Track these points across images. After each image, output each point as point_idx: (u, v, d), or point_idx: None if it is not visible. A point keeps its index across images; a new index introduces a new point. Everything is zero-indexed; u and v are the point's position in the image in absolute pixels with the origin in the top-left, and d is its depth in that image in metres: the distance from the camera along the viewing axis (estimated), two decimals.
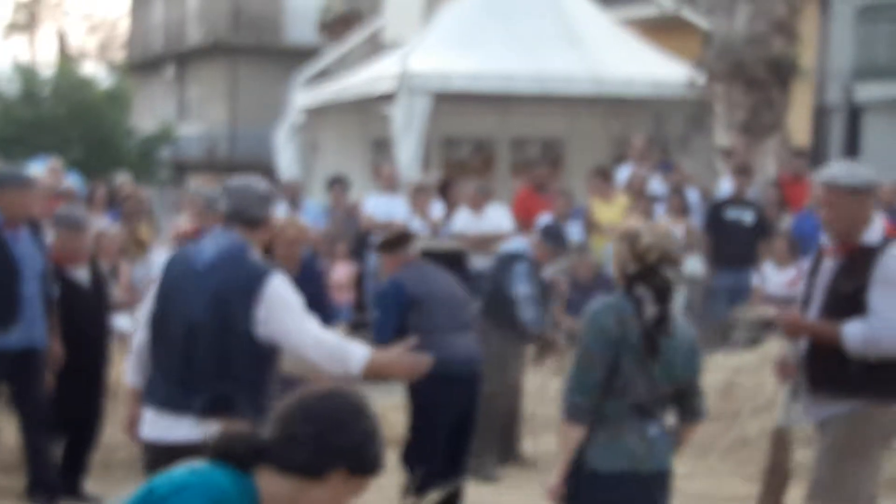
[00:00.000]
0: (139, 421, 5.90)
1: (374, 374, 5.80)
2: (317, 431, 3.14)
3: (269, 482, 3.11)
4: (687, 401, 5.69)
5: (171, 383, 5.66)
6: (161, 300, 5.81)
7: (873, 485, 6.39)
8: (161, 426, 5.63)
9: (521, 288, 9.86)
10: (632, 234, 5.58)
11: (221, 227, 5.88)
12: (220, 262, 5.71)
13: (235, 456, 3.14)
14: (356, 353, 5.69)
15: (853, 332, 6.17)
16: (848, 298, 6.24)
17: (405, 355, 5.93)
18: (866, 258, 6.26)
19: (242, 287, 5.63)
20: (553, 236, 10.29)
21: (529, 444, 10.63)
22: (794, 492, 7.16)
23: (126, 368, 6.09)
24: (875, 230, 6.33)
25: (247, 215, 5.82)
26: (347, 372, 5.66)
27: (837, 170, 6.48)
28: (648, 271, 5.49)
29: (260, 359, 5.64)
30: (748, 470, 9.94)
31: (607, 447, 5.48)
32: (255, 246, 5.85)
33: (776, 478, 6.84)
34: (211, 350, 5.59)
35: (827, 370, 6.34)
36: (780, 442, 6.92)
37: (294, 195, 16.18)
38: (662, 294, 5.49)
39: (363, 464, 3.17)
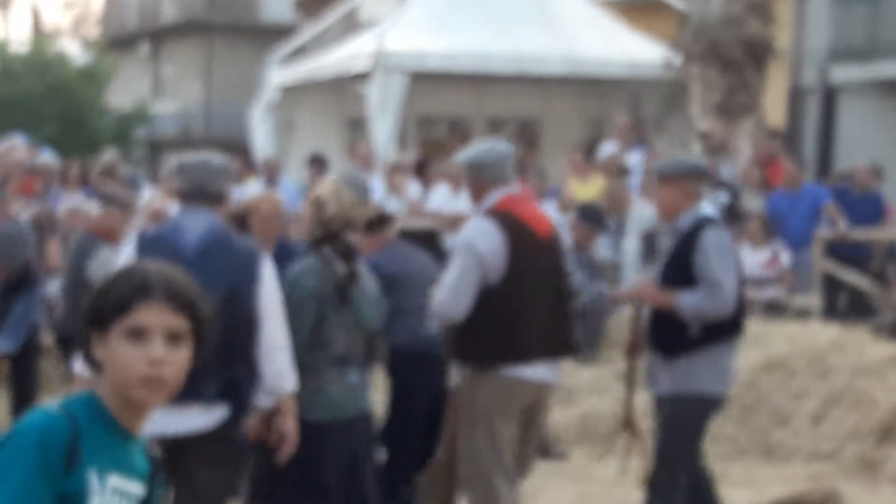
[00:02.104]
0: None
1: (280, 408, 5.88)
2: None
3: (102, 393, 2.92)
4: (372, 345, 6.20)
5: None
6: None
7: (498, 453, 6.59)
8: (165, 419, 5.39)
9: (578, 276, 9.81)
10: (319, 202, 6.17)
11: (186, 207, 5.80)
12: (210, 246, 5.65)
13: None
14: (292, 381, 5.77)
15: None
16: None
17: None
18: None
19: (245, 270, 5.61)
20: (591, 216, 10.26)
21: None
22: None
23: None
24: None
25: (210, 191, 5.77)
26: (276, 389, 5.72)
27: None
28: (332, 236, 6.07)
29: (257, 339, 5.64)
30: (720, 449, 9.99)
31: (313, 398, 5.92)
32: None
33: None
34: (218, 336, 5.48)
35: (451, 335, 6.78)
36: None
37: (272, 173, 16.14)
38: (346, 255, 6.06)
39: (99, 316, 2.85)
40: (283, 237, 8.54)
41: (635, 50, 18.37)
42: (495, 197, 6.64)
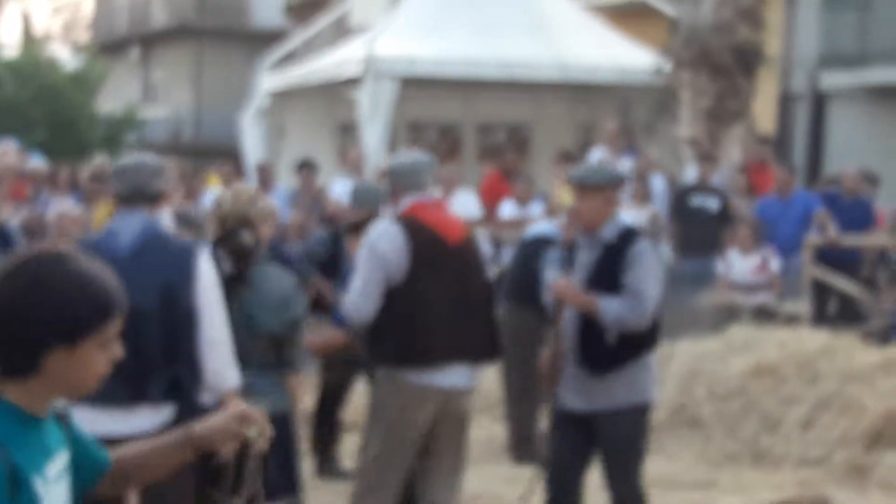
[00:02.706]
0: None
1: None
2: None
3: (14, 393, 2.80)
4: (282, 351, 6.24)
5: (117, 377, 5.57)
6: None
7: (389, 453, 6.75)
8: (110, 421, 5.44)
9: (551, 273, 9.84)
10: (218, 201, 6.32)
11: (123, 209, 5.81)
12: (144, 246, 5.65)
13: None
14: (235, 376, 5.73)
15: None
16: None
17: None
18: None
19: (180, 266, 5.60)
20: None
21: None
22: None
23: None
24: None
25: (147, 192, 5.76)
26: (218, 385, 5.68)
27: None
28: (227, 235, 6.15)
29: (198, 335, 5.63)
30: (710, 456, 9.99)
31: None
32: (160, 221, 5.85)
33: None
34: (160, 335, 5.53)
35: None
36: None
37: (266, 178, 16.13)
38: (238, 255, 6.10)
39: (75, 330, 2.77)
40: (275, 244, 8.52)
41: (626, 56, 18.39)
42: (406, 202, 6.78)
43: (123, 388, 5.48)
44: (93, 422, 5.40)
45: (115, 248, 5.62)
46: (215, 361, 5.63)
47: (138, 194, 5.75)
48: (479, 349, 6.83)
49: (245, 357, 6.02)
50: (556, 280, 6.82)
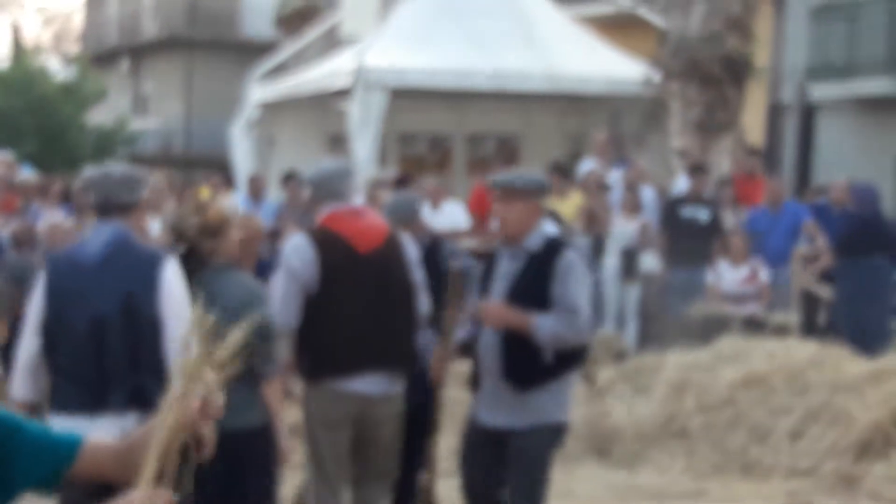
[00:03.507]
0: None
1: None
2: None
3: None
4: (251, 361, 5.98)
5: (83, 384, 5.59)
6: (53, 304, 5.69)
7: (320, 462, 6.82)
8: (73, 429, 5.46)
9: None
10: (177, 213, 6.25)
11: (99, 220, 5.84)
12: (111, 253, 5.69)
13: None
14: None
15: None
16: None
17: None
18: None
19: (143, 275, 5.64)
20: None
21: None
22: None
23: (13, 382, 5.87)
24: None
25: (118, 202, 5.80)
26: None
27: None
28: (191, 248, 6.01)
29: (163, 343, 5.62)
30: (699, 466, 10.00)
31: None
32: (135, 231, 5.85)
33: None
34: (122, 343, 5.58)
35: None
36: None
37: (257, 190, 16.14)
38: (192, 265, 5.95)
39: None
40: (264, 257, 8.53)
41: (615, 66, 18.42)
42: (323, 213, 6.85)
43: (86, 396, 5.51)
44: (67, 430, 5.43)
45: (83, 258, 5.71)
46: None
47: (108, 205, 5.80)
48: (396, 357, 6.85)
49: None
50: (485, 304, 6.44)
